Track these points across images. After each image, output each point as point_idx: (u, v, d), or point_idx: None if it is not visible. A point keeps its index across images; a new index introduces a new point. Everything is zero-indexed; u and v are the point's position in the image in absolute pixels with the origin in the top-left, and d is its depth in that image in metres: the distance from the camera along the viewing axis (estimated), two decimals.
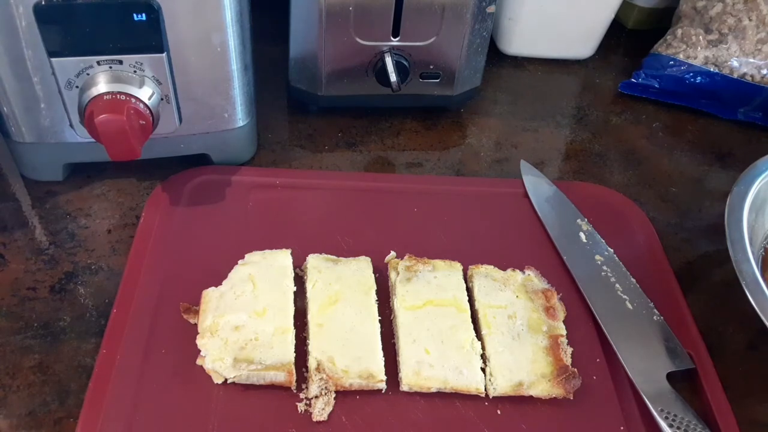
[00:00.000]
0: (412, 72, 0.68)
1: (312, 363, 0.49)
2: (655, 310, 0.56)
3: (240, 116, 0.62)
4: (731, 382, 0.52)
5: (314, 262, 0.55)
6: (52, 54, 0.51)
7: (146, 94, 0.53)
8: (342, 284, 0.53)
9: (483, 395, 0.49)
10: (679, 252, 0.64)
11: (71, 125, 0.56)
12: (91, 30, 0.50)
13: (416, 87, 0.70)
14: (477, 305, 0.54)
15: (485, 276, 0.56)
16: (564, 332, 0.53)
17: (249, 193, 0.62)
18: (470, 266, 0.57)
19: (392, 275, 0.55)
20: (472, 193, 0.66)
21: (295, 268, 0.55)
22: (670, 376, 0.51)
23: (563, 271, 0.59)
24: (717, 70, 0.79)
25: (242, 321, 0.50)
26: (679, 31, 0.80)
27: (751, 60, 0.77)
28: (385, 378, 0.49)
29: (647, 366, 0.51)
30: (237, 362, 0.47)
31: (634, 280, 0.58)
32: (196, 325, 0.50)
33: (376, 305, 0.53)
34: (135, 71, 0.53)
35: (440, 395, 0.49)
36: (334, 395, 0.48)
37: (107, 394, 0.47)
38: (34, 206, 0.61)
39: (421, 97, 0.72)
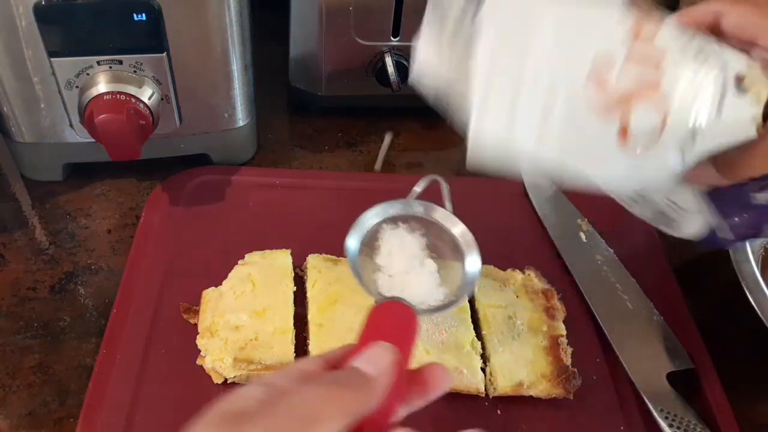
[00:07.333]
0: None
1: None
2: (655, 310, 0.56)
3: (240, 116, 0.62)
4: (731, 382, 0.52)
5: (314, 262, 0.55)
6: (52, 54, 0.51)
7: (146, 94, 0.53)
8: (342, 284, 0.53)
9: (483, 395, 0.49)
10: (679, 252, 0.64)
11: (71, 125, 0.56)
12: (91, 30, 0.50)
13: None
14: (477, 305, 0.54)
15: (485, 276, 0.56)
16: (564, 332, 0.53)
17: (249, 193, 0.62)
18: None
19: None
20: (472, 193, 0.65)
21: (295, 268, 0.55)
22: (670, 376, 0.51)
23: (563, 271, 0.59)
24: None
25: (242, 321, 0.50)
26: None
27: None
28: None
29: (647, 366, 0.51)
30: (237, 362, 0.47)
31: (634, 280, 0.58)
32: (196, 325, 0.50)
33: None
34: (135, 71, 0.53)
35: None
36: None
37: (107, 394, 0.47)
38: (34, 206, 0.61)
39: (421, 97, 0.72)
